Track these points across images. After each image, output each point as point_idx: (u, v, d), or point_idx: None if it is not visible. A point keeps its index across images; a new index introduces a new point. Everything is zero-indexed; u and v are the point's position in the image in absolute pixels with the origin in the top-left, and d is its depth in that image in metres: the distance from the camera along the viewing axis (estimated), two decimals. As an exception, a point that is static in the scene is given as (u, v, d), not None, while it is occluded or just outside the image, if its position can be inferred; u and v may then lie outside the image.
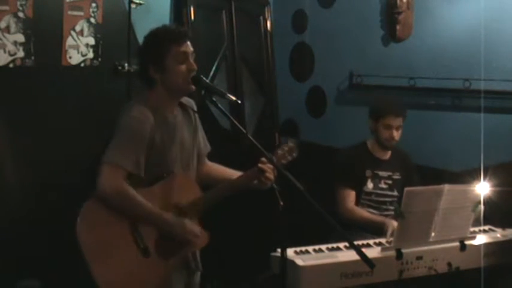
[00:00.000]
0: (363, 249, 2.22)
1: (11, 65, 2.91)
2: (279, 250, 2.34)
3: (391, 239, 2.89)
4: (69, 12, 3.16)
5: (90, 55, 3.28)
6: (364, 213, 3.38)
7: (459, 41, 3.82)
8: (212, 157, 2.77)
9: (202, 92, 2.44)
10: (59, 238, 2.57)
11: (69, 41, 3.17)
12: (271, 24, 4.56)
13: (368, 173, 3.42)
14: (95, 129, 3.15)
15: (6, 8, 2.87)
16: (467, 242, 2.90)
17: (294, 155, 2.58)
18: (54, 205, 3.00)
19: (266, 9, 4.55)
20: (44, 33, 3.03)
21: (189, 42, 2.43)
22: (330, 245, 2.85)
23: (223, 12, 4.17)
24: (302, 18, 4.58)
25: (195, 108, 2.63)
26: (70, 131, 3.16)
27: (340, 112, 4.43)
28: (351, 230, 3.17)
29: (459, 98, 3.84)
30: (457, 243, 2.89)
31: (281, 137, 4.58)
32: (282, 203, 2.12)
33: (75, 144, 3.14)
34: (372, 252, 2.72)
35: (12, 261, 2.89)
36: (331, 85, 4.43)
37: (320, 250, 2.80)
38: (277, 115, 4.64)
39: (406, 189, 2.77)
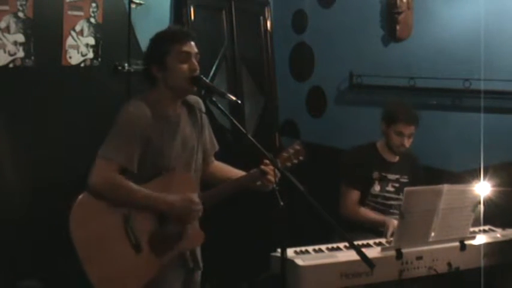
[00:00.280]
0: (363, 249, 2.21)
1: (11, 65, 2.91)
2: (279, 250, 2.34)
3: (391, 239, 2.89)
4: (69, 12, 3.16)
5: (90, 55, 3.28)
6: (367, 212, 3.36)
7: (459, 41, 3.81)
8: (212, 157, 2.76)
9: (203, 92, 2.44)
10: (58, 238, 2.56)
11: (69, 41, 3.17)
12: (271, 24, 4.56)
13: (375, 174, 3.38)
14: (95, 129, 3.14)
15: (6, 8, 2.87)
16: (467, 242, 2.91)
17: (301, 158, 2.57)
18: (54, 205, 2.99)
19: (266, 9, 4.54)
20: (44, 33, 3.03)
21: (192, 43, 2.44)
22: (330, 245, 2.86)
23: (223, 12, 4.17)
24: (302, 18, 4.58)
25: (203, 109, 2.61)
26: (70, 131, 3.16)
27: (340, 112, 4.43)
28: (354, 231, 3.15)
29: (459, 98, 3.83)
30: (457, 243, 2.89)
31: (281, 137, 4.58)
32: (282, 203, 2.11)
33: (75, 144, 3.13)
34: (372, 252, 2.73)
35: (12, 261, 2.89)
36: (331, 85, 4.43)
37: (320, 250, 2.80)
38: (277, 115, 4.63)
39: (406, 189, 2.78)
